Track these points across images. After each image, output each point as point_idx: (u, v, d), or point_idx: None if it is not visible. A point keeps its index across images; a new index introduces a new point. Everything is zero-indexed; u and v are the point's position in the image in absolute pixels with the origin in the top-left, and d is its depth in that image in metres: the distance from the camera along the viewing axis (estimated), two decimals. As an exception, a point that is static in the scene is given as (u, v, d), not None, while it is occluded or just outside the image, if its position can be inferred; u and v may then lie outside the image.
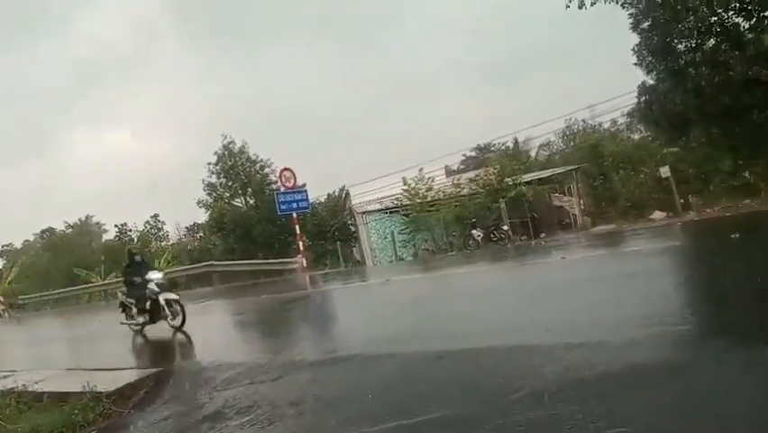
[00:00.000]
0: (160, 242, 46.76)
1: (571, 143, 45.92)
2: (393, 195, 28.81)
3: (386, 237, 28.07)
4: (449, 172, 37.15)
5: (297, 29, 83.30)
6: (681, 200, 19.62)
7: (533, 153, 48.00)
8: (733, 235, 10.13)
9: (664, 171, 19.90)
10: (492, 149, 48.18)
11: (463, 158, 48.26)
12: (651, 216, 19.86)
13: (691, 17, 16.33)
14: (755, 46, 15.49)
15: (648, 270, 8.06)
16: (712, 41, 17.03)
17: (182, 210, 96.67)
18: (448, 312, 7.41)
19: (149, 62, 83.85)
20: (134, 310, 10.58)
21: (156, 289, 10.06)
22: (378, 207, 30.08)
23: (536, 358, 4.65)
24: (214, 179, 34.19)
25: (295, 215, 20.65)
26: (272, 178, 32.44)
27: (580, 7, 20.97)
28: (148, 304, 10.21)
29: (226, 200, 34.06)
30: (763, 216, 13.86)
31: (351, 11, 75.09)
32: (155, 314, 10.16)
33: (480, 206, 25.48)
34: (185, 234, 48.70)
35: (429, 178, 28.08)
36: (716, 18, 16.62)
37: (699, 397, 3.51)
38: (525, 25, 70.70)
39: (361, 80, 76.16)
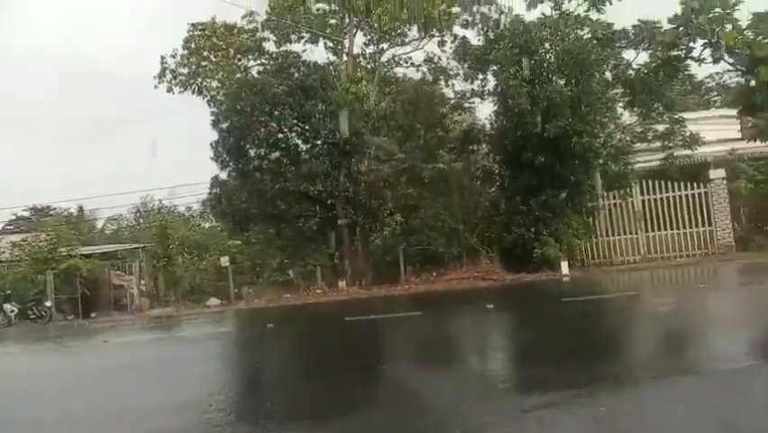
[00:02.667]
0: None
1: (142, 221, 44.83)
2: None
3: None
4: (-13, 231, 30.96)
5: None
6: (236, 290, 21.10)
7: (99, 224, 44.83)
8: (269, 325, 11.30)
9: (224, 261, 21.20)
10: (51, 213, 42.68)
11: (13, 217, 41.11)
12: (207, 303, 20.57)
13: (262, 129, 18.64)
14: (308, 166, 18.61)
15: (188, 356, 8.15)
16: (277, 154, 19.68)
17: None
18: None
19: None
20: None
21: None
22: None
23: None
24: None
25: None
26: None
27: (168, 91, 21.76)
28: None
29: None
30: (296, 310, 16.10)
31: None
32: None
33: (22, 276, 21.85)
34: None
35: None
36: (282, 135, 19.40)
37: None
38: (119, 88, 65.85)
39: None
